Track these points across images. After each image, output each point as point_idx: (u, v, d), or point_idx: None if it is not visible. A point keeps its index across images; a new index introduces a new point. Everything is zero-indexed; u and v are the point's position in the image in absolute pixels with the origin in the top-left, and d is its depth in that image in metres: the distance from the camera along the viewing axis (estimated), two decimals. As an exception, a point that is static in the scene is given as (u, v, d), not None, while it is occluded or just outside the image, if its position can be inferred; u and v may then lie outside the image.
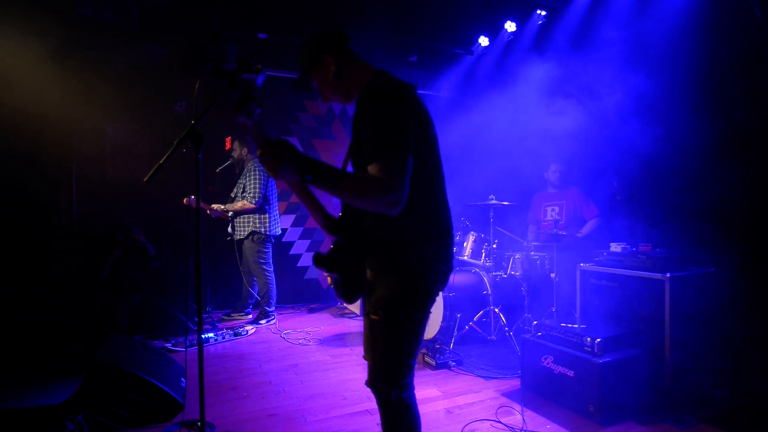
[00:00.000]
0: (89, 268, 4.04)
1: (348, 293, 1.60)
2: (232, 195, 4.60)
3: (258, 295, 4.67)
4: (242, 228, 4.55)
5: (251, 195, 4.37)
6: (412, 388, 1.60)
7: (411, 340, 1.55)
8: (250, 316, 4.76)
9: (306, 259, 5.73)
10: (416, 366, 3.54)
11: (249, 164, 4.55)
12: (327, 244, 1.63)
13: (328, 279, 1.67)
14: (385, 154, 1.36)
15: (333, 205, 5.58)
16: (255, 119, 1.37)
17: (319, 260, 1.56)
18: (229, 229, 4.62)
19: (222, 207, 4.48)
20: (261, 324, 4.50)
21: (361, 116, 1.49)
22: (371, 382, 1.61)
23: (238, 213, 4.48)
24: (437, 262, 1.54)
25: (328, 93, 1.65)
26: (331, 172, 1.35)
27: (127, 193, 4.82)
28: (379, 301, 1.52)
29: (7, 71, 3.93)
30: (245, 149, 4.61)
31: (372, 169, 1.37)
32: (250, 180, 4.43)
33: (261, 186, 4.40)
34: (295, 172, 1.31)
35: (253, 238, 4.52)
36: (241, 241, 4.61)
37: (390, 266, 1.53)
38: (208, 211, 4.51)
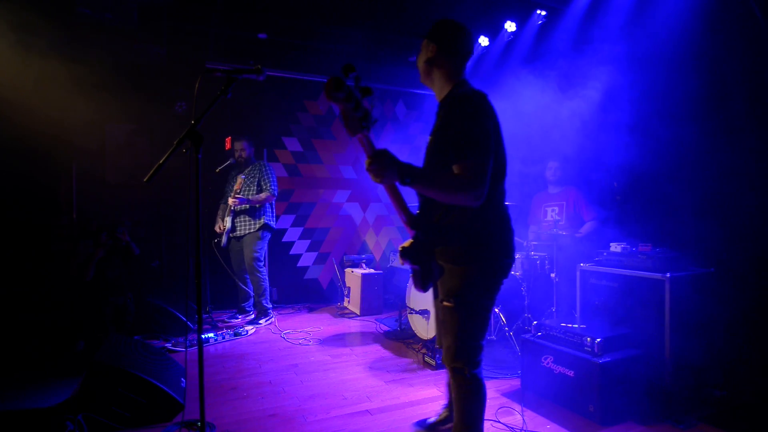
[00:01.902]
0: (74, 270, 4.01)
1: (423, 283, 1.84)
2: (239, 190, 4.57)
3: (255, 293, 4.66)
4: (247, 224, 4.54)
5: (272, 187, 4.54)
6: (482, 368, 1.84)
7: (479, 324, 1.79)
8: (252, 315, 4.76)
9: (306, 259, 5.73)
10: (416, 366, 3.53)
11: (257, 162, 4.64)
12: (407, 239, 1.88)
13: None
14: (470, 155, 1.61)
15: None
16: (368, 134, 1.58)
17: (404, 252, 1.80)
18: (226, 225, 4.54)
19: (244, 197, 4.48)
20: (261, 324, 4.50)
21: (446, 120, 1.75)
22: (446, 360, 1.84)
23: (257, 203, 4.54)
24: (502, 254, 1.78)
25: (421, 71, 1.91)
26: (424, 174, 1.63)
27: (127, 193, 4.82)
28: (452, 290, 1.76)
29: (7, 71, 3.93)
30: (253, 149, 4.68)
31: (457, 168, 1.62)
32: (265, 175, 4.55)
33: (274, 179, 4.61)
34: (397, 176, 1.57)
35: (259, 234, 4.55)
36: (235, 239, 4.61)
37: (462, 258, 1.74)
38: (230, 204, 4.46)
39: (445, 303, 1.78)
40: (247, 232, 4.54)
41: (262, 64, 2.19)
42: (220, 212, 4.74)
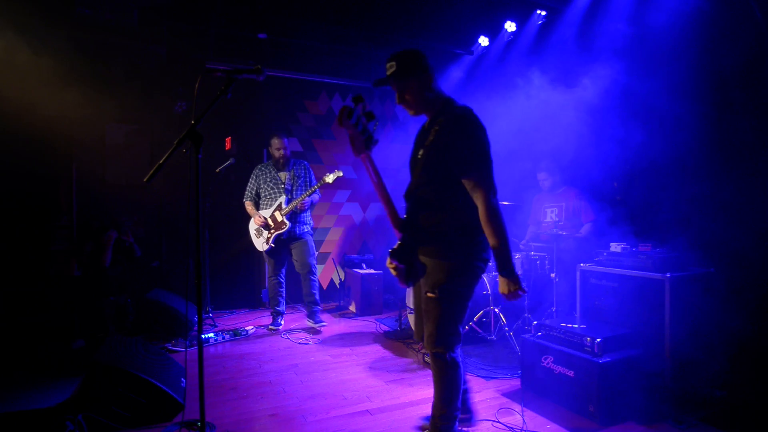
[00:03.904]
0: (91, 262, 4.03)
1: (407, 280, 2.04)
2: (290, 188, 4.35)
3: (316, 296, 4.50)
4: (302, 226, 4.38)
5: (318, 188, 4.38)
6: (460, 352, 2.08)
7: (459, 313, 2.01)
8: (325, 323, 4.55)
9: (306, 259, 5.73)
10: (416, 366, 3.53)
11: (301, 162, 4.49)
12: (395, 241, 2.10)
13: (393, 271, 2.06)
14: (481, 166, 1.88)
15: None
16: (370, 154, 1.93)
17: (393, 254, 2.00)
18: (285, 226, 4.26)
19: (305, 196, 4.30)
20: (324, 323, 4.45)
21: (447, 137, 1.91)
22: (428, 346, 2.04)
23: (314, 205, 4.51)
24: (479, 252, 1.99)
25: (412, 100, 2.03)
26: (501, 237, 1.88)
27: (127, 193, 4.82)
28: (436, 283, 1.97)
29: (7, 72, 3.93)
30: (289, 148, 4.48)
31: (472, 178, 1.87)
32: (312, 177, 4.50)
33: None
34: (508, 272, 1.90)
35: (312, 234, 4.47)
36: (288, 240, 4.37)
37: (443, 254, 1.96)
38: (297, 206, 4.26)
39: (429, 294, 1.99)
40: (302, 233, 4.37)
41: (262, 64, 2.20)
42: (258, 206, 4.44)
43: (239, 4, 4.49)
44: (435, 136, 1.94)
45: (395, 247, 2.02)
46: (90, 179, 4.69)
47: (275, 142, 4.37)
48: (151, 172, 1.89)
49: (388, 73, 1.99)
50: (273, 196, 4.36)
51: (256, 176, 4.46)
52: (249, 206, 4.45)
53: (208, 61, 4.85)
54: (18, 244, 4.19)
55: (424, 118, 2.14)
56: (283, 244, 4.37)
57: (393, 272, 2.07)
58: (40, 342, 3.52)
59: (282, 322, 4.51)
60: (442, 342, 2.00)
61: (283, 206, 4.28)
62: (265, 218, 4.32)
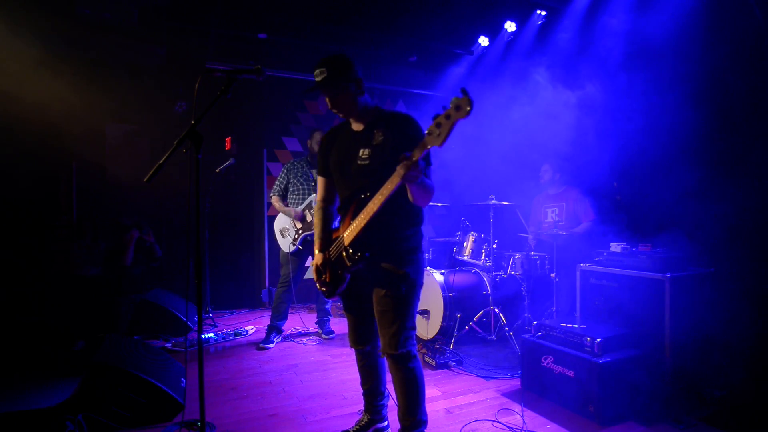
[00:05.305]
0: (112, 259, 4.04)
1: (339, 288, 2.05)
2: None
3: (328, 305, 4.26)
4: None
5: None
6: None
7: (417, 304, 2.04)
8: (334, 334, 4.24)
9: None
10: (416, 366, 3.48)
11: None
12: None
13: (322, 286, 2.08)
14: (429, 161, 1.94)
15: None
16: None
17: (360, 253, 1.95)
18: (308, 230, 3.93)
19: None
20: (334, 334, 4.18)
21: (399, 135, 1.93)
22: (391, 349, 1.95)
23: None
24: (421, 241, 2.08)
25: (345, 105, 1.99)
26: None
27: (127, 193, 4.82)
28: (394, 281, 1.95)
29: (7, 71, 3.93)
30: None
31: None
32: None
33: None
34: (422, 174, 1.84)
35: None
36: (311, 243, 3.93)
37: (397, 253, 1.97)
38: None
39: (390, 294, 1.94)
40: None
41: (262, 64, 2.20)
42: (292, 205, 4.05)
43: (239, 4, 4.49)
44: (386, 135, 1.94)
45: (351, 255, 1.93)
46: (90, 179, 4.69)
47: (317, 136, 4.03)
48: (151, 172, 1.89)
49: (318, 79, 1.93)
50: (301, 192, 4.01)
51: (287, 170, 4.09)
52: (276, 201, 4.07)
53: (208, 61, 4.86)
54: (18, 244, 4.19)
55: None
56: (309, 246, 3.98)
57: (322, 287, 2.06)
58: (40, 342, 3.52)
59: (276, 341, 3.98)
60: (406, 339, 1.95)
61: (313, 205, 3.83)
62: (302, 212, 3.94)
